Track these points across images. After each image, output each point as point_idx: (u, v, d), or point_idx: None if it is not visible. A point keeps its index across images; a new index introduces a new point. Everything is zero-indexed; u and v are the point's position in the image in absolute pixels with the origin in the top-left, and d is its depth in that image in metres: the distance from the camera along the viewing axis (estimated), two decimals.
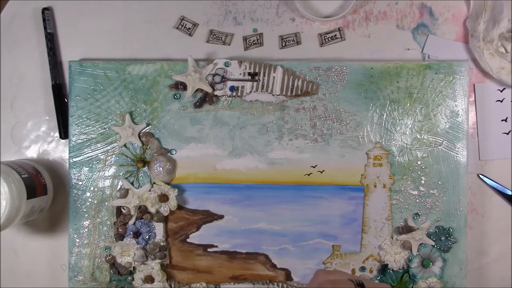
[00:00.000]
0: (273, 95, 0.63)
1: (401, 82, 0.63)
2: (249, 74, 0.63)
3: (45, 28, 0.66)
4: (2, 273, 0.67)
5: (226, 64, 0.63)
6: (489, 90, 0.64)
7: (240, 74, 0.63)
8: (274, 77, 0.63)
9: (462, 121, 0.62)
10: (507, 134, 0.64)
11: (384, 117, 0.63)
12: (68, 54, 0.67)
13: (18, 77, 0.67)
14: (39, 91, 0.67)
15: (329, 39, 0.65)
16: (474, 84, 0.64)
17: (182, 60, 0.64)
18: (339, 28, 0.65)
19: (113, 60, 0.65)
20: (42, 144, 0.67)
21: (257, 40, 0.65)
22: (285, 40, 0.65)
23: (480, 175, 0.64)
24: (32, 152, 0.67)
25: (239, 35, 0.66)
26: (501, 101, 0.64)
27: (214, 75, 0.63)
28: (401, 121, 0.63)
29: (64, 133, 0.65)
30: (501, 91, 0.64)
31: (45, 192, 0.63)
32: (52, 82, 0.66)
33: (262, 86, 0.63)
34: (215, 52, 0.66)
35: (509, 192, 0.64)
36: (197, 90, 0.63)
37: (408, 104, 0.63)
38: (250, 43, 0.65)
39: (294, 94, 0.63)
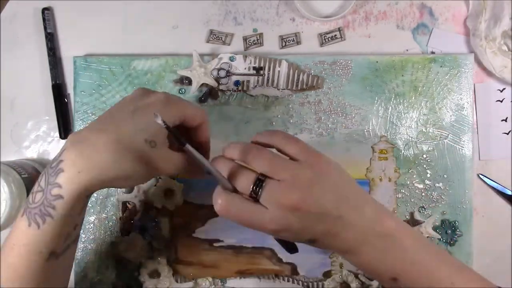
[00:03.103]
0: (278, 89, 0.63)
1: (406, 75, 0.63)
2: (254, 68, 0.63)
3: (45, 28, 0.65)
4: None
5: (231, 59, 0.63)
6: (489, 90, 0.64)
7: (245, 68, 0.63)
8: (279, 71, 0.63)
9: (467, 114, 0.62)
10: (507, 134, 0.64)
11: (390, 110, 0.63)
12: (68, 54, 0.66)
13: (18, 77, 0.67)
14: (39, 91, 0.66)
15: (329, 39, 0.65)
16: (474, 84, 0.64)
17: (186, 55, 0.64)
18: (339, 28, 0.65)
19: (117, 56, 0.65)
20: (42, 144, 0.67)
21: (257, 40, 0.65)
22: (285, 40, 0.65)
23: (480, 175, 0.64)
24: (32, 152, 0.67)
25: (239, 35, 0.65)
26: (501, 101, 0.64)
27: (219, 69, 0.63)
28: (406, 114, 0.63)
29: (64, 133, 0.65)
30: (501, 91, 0.64)
31: None
32: (52, 82, 0.65)
33: (267, 80, 0.63)
34: (215, 52, 0.65)
35: (509, 192, 0.64)
36: (202, 84, 0.63)
37: (413, 98, 0.63)
38: (250, 43, 0.65)
39: (299, 88, 0.63)
